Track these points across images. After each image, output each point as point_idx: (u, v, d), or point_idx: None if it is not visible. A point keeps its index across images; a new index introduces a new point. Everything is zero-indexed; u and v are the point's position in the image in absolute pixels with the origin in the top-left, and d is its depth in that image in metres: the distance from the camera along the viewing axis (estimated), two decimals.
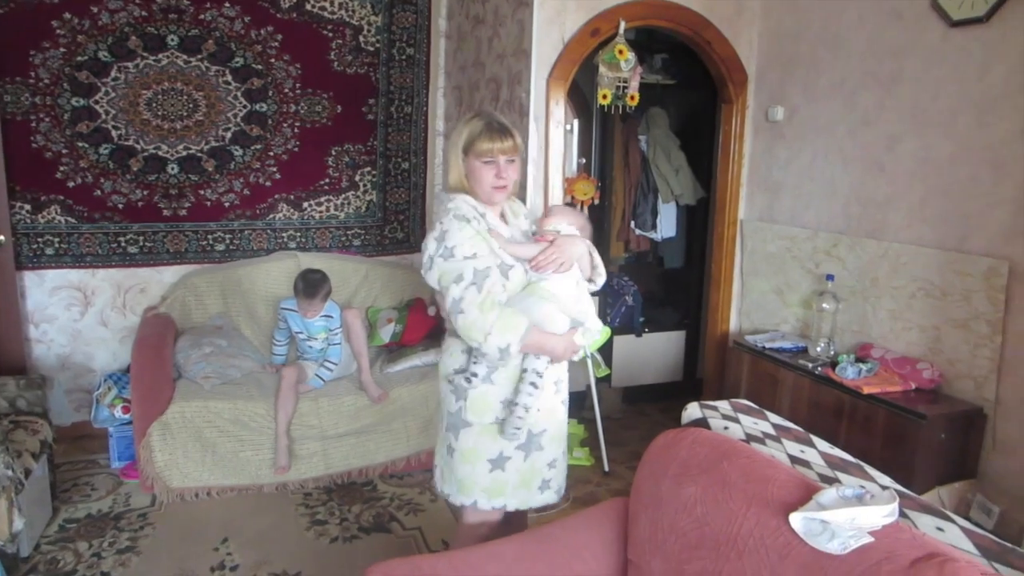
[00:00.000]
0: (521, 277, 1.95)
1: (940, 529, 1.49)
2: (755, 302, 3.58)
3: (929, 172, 2.68)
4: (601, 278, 2.10)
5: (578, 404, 4.14)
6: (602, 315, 4.25)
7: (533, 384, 1.94)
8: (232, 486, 3.24)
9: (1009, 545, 1.44)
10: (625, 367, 4.37)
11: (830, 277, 3.02)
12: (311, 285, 3.33)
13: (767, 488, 1.56)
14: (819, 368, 2.89)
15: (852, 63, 2.97)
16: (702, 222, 4.32)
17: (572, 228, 2.02)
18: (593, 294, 4.19)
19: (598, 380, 3.78)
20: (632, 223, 4.31)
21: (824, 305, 3.01)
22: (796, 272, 3.29)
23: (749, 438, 1.96)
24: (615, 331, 4.25)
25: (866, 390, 2.65)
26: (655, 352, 4.44)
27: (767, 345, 3.17)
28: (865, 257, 2.93)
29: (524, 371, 1.95)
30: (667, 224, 4.29)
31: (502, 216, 2.07)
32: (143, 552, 2.80)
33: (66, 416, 3.76)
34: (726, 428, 2.03)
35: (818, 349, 3.02)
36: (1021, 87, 2.38)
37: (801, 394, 2.93)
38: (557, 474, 2.12)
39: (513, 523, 2.21)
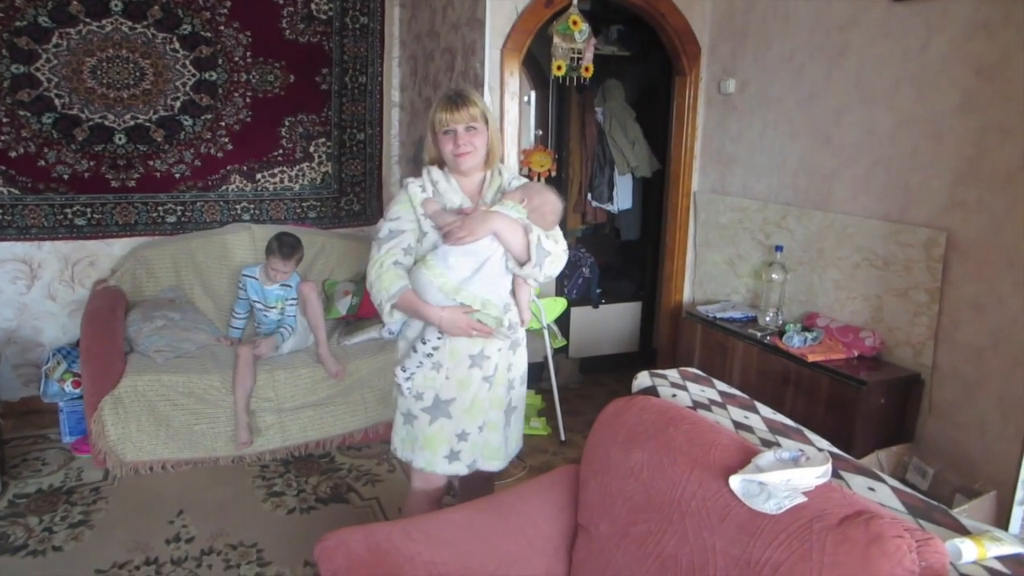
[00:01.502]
0: (431, 244, 2.02)
1: (872, 489, 1.55)
2: (708, 273, 3.65)
3: (873, 144, 2.75)
4: (541, 268, 1.99)
5: (536, 375, 4.19)
6: (559, 287, 4.29)
7: (413, 348, 2.05)
8: (187, 459, 3.23)
9: (935, 503, 1.51)
10: (582, 338, 4.43)
11: (779, 248, 3.09)
12: (287, 246, 3.36)
13: (709, 452, 1.62)
14: (767, 337, 2.97)
15: (801, 36, 3.01)
16: (658, 194, 4.37)
17: (517, 207, 1.99)
18: None
19: (555, 351, 3.83)
20: (589, 195, 4.34)
21: (773, 276, 3.08)
22: (747, 243, 3.35)
23: (696, 405, 2.02)
24: (572, 303, 4.29)
25: (811, 358, 2.74)
26: (612, 323, 4.51)
27: (718, 315, 3.25)
28: (812, 228, 3.00)
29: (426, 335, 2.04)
30: (623, 196, 4.33)
31: (482, 183, 2.09)
32: (96, 526, 2.78)
33: (14, 391, 3.68)
34: (674, 396, 2.08)
35: (767, 319, 3.10)
36: (959, 61, 2.44)
37: (750, 363, 3.01)
38: (469, 448, 2.11)
39: (476, 492, 2.26)
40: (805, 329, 2.90)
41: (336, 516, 2.92)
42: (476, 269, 1.97)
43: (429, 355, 2.03)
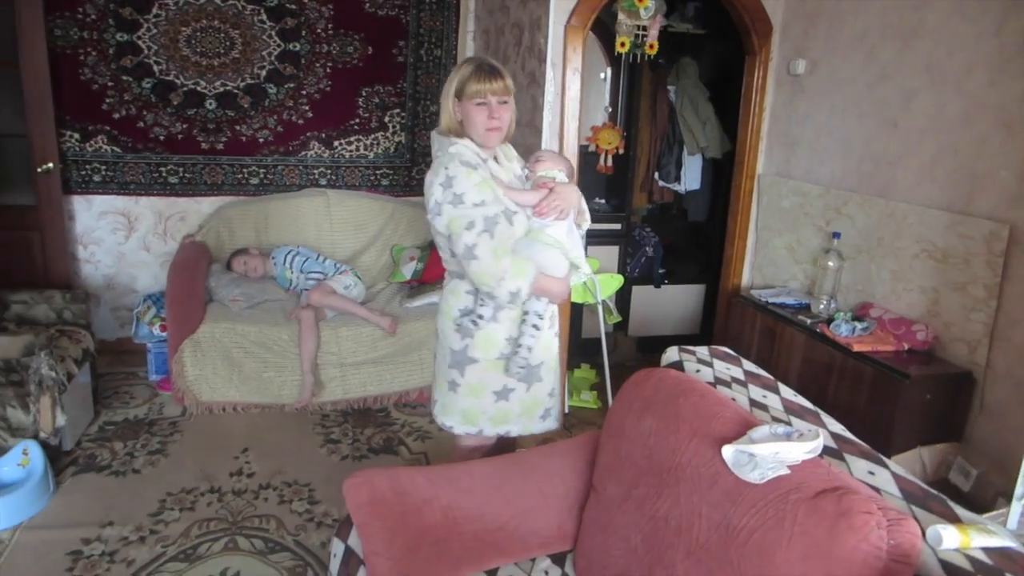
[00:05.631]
0: (523, 223, 2.02)
1: (872, 473, 1.55)
2: (768, 257, 3.60)
3: (941, 130, 2.64)
4: (586, 224, 2.19)
5: (594, 350, 4.25)
6: (622, 265, 4.32)
7: (535, 326, 2.06)
8: (255, 403, 3.48)
9: (934, 492, 1.50)
10: (642, 317, 4.45)
11: (836, 235, 3.02)
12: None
13: (710, 423, 1.66)
14: (816, 325, 2.92)
15: (874, 14, 2.91)
16: (728, 176, 4.30)
17: (563, 174, 2.10)
18: (612, 243, 4.27)
19: (611, 327, 3.88)
20: (656, 174, 4.33)
21: (829, 263, 3.02)
22: (807, 229, 3.29)
23: (717, 381, 2.04)
24: (634, 281, 4.32)
25: (856, 348, 2.69)
26: (673, 304, 4.50)
27: (770, 300, 3.21)
28: (873, 216, 2.92)
29: (525, 313, 2.05)
30: (691, 176, 4.29)
31: (495, 160, 2.13)
32: (171, 455, 3.06)
33: (111, 331, 4.05)
34: (698, 371, 2.11)
35: (821, 306, 3.05)
36: None
37: (796, 349, 2.98)
38: (556, 402, 2.23)
39: (504, 449, 2.36)
40: (856, 319, 2.84)
41: (384, 465, 3.08)
42: (573, 237, 2.11)
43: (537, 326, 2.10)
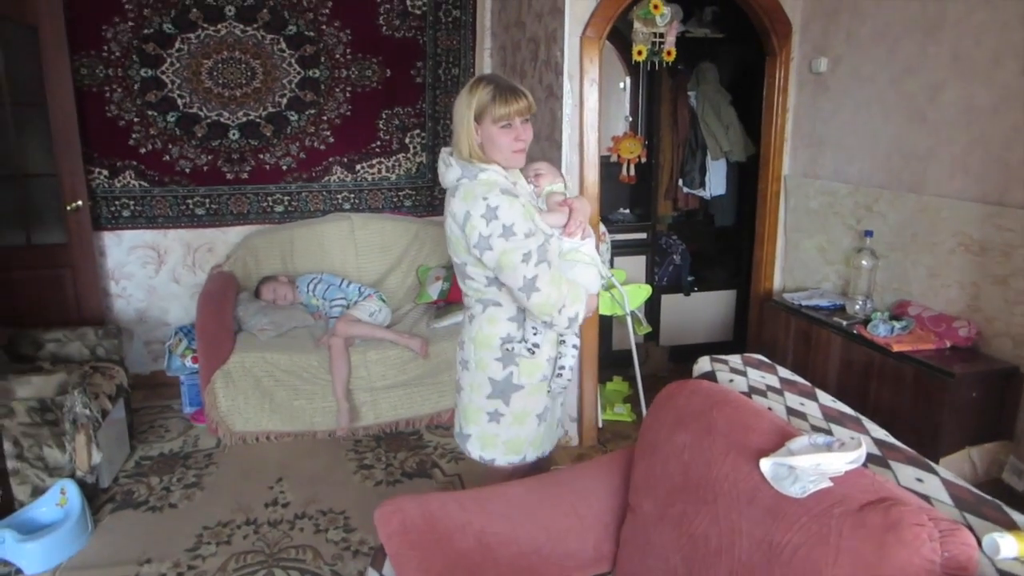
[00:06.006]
0: (556, 245, 1.98)
1: (920, 480, 1.49)
2: (798, 260, 3.53)
3: (971, 122, 2.57)
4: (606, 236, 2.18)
5: (626, 363, 4.19)
6: (649, 274, 4.27)
7: (575, 346, 2.03)
8: (288, 431, 3.49)
9: (987, 498, 1.43)
10: (673, 326, 4.39)
11: (868, 233, 2.95)
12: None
13: (747, 435, 1.61)
14: (853, 326, 2.84)
15: (895, 8, 2.84)
16: (754, 179, 4.23)
17: (560, 184, 2.08)
18: (638, 253, 4.21)
19: (642, 338, 3.82)
20: (680, 181, 4.28)
21: (862, 262, 2.94)
22: (838, 229, 3.21)
23: (752, 391, 1.99)
24: (663, 290, 4.26)
25: (896, 348, 2.60)
26: (704, 311, 4.43)
27: (803, 303, 3.14)
28: (905, 212, 2.84)
29: (563, 333, 2.02)
30: (716, 182, 4.24)
31: None
32: (207, 487, 3.07)
33: (145, 365, 4.10)
34: (731, 381, 2.05)
35: (856, 307, 2.97)
36: None
37: (834, 352, 2.90)
38: (563, 408, 2.26)
39: (539, 468, 2.32)
40: (894, 318, 2.76)
41: (419, 489, 3.06)
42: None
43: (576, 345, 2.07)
